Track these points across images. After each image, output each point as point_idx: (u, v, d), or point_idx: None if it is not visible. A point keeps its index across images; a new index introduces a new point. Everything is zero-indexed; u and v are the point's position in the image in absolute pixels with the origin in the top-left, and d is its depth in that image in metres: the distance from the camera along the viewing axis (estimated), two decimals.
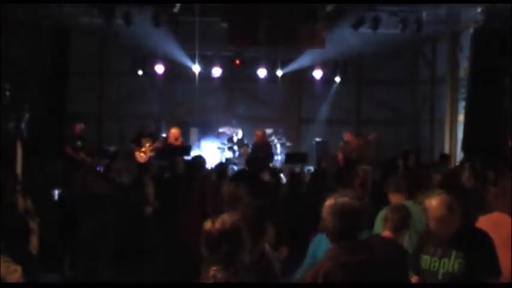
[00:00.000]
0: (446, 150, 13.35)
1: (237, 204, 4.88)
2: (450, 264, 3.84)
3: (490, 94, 11.22)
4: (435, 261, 3.90)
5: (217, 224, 3.38)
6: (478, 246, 3.86)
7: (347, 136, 12.88)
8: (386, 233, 4.59)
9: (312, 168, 13.35)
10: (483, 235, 4.00)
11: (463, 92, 12.67)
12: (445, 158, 11.86)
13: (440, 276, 3.85)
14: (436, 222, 3.88)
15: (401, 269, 4.01)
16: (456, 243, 3.85)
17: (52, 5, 10.24)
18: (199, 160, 8.22)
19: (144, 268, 8.85)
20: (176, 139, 12.35)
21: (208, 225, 3.41)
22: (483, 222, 6.01)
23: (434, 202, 3.93)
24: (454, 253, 3.84)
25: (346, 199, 3.48)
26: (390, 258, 3.79)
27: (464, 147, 11.94)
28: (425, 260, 3.94)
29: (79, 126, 11.77)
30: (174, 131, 12.43)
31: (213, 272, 3.28)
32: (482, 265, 3.80)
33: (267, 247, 4.47)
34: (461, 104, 12.81)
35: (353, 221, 3.41)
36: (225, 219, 3.43)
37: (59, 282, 6.25)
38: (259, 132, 12.83)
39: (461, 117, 12.83)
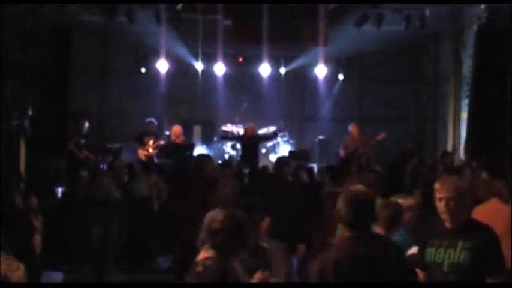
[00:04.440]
0: (450, 148, 13.33)
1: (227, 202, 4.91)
2: (456, 254, 3.77)
3: (493, 92, 11.19)
4: (440, 253, 3.84)
5: (224, 215, 3.41)
6: (484, 237, 3.81)
7: (352, 129, 12.82)
8: (378, 230, 4.56)
9: (315, 165, 13.36)
10: (488, 227, 3.97)
11: (466, 90, 12.64)
12: (447, 156, 11.87)
13: (445, 268, 3.79)
14: (454, 198, 3.81)
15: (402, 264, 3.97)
16: (463, 234, 3.80)
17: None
18: (203, 158, 8.17)
19: (148, 267, 8.87)
20: (178, 137, 12.33)
21: (214, 213, 3.44)
22: (481, 211, 6.05)
23: (453, 179, 3.93)
24: (460, 244, 3.78)
25: (360, 189, 3.51)
26: (392, 254, 3.77)
27: (468, 145, 11.92)
28: (430, 252, 3.87)
29: (84, 124, 11.78)
30: (176, 129, 12.41)
31: (203, 259, 3.29)
32: (488, 257, 3.75)
33: (264, 244, 4.49)
34: (465, 102, 12.77)
35: (365, 211, 3.42)
36: (233, 212, 3.46)
37: (60, 283, 6.25)
38: (249, 127, 12.78)
39: (464, 115, 12.80)
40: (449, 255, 3.79)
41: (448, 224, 3.88)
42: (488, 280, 3.72)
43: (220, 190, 5.52)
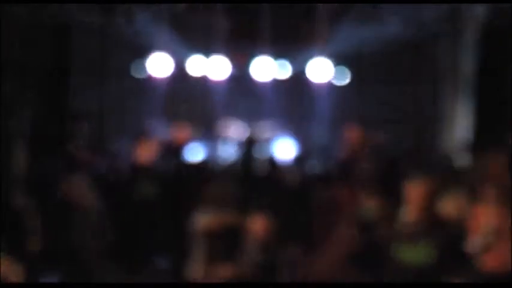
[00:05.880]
0: (449, 149, 13.32)
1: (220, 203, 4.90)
2: (418, 251, 3.78)
3: (493, 93, 11.20)
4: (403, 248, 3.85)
5: (218, 221, 3.39)
6: (447, 235, 3.81)
7: (349, 131, 12.78)
8: None
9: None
10: (455, 229, 3.98)
11: (465, 91, 12.64)
12: (446, 157, 11.85)
13: (406, 263, 3.80)
14: (418, 203, 3.85)
15: None
16: (427, 231, 3.81)
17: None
18: (203, 158, 8.15)
19: (146, 267, 8.86)
20: (184, 138, 12.31)
21: (209, 221, 3.42)
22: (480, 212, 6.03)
23: (418, 184, 3.96)
24: (423, 240, 3.79)
25: None
26: None
27: (467, 146, 11.91)
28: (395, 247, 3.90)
29: (83, 124, 11.76)
30: (182, 129, 12.40)
31: (218, 270, 3.29)
32: (448, 257, 3.74)
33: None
34: (464, 103, 12.77)
35: None
36: (226, 217, 3.45)
37: (59, 282, 6.22)
38: (248, 128, 12.83)
39: (464, 116, 12.80)
40: (412, 252, 3.81)
41: (413, 221, 3.91)
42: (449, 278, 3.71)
43: (210, 190, 5.49)
